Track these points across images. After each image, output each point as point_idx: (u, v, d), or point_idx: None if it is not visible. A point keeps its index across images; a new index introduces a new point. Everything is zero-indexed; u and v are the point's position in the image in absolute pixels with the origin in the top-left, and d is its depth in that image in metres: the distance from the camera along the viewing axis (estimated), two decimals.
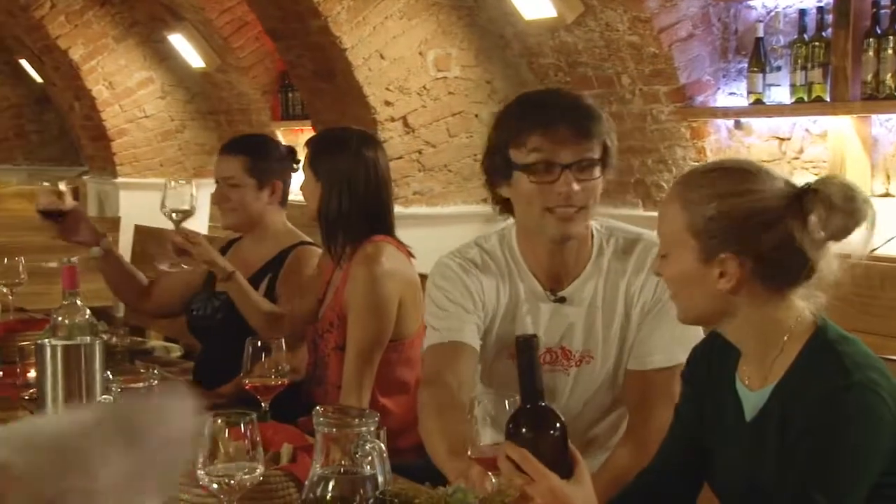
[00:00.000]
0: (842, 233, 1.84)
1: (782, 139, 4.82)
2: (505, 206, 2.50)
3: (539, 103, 2.46)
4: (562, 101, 2.46)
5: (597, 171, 2.39)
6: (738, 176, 1.91)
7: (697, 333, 2.26)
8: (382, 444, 1.85)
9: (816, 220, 1.83)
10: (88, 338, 2.50)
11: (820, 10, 4.46)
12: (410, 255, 3.16)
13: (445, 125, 5.65)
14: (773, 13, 4.81)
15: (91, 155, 9.23)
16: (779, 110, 4.66)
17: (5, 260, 3.83)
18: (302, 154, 3.34)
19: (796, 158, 4.75)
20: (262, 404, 2.49)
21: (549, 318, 2.52)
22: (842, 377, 1.80)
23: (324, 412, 1.86)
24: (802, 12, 4.53)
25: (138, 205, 7.73)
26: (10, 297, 3.82)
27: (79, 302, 2.53)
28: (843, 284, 1.89)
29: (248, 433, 1.84)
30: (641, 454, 2.29)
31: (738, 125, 4.97)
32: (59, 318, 2.52)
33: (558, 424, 1.76)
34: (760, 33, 4.72)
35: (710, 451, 2.05)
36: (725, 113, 4.95)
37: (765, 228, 1.85)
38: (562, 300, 2.51)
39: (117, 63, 8.59)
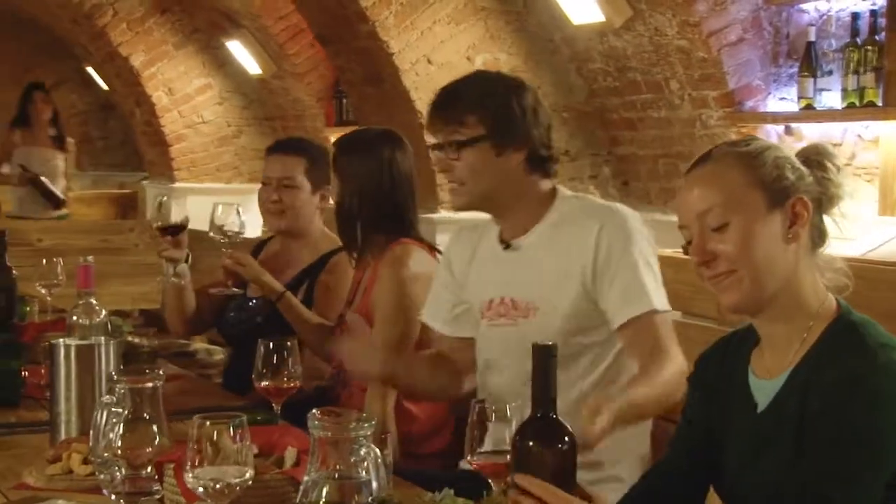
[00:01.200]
0: (838, 188, 1.89)
1: (834, 145, 4.67)
2: None
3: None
4: (449, 87, 2.64)
5: (468, 150, 2.51)
6: (762, 140, 1.95)
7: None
8: (378, 450, 1.78)
9: (827, 168, 1.88)
10: (103, 338, 2.47)
11: (873, 13, 4.32)
12: (434, 251, 3.10)
13: None
14: (825, 17, 4.67)
15: (151, 160, 9.28)
16: (830, 115, 4.52)
17: (44, 262, 3.82)
18: None
19: (848, 164, 4.59)
20: (274, 406, 2.42)
21: (495, 267, 2.61)
22: (865, 358, 1.73)
23: (319, 416, 1.79)
24: (855, 16, 4.38)
25: (195, 209, 7.73)
26: (49, 298, 3.81)
27: (93, 301, 2.49)
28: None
29: (238, 436, 1.78)
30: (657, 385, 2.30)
31: (788, 131, 4.83)
32: (75, 318, 2.49)
33: (567, 438, 1.66)
34: (812, 37, 4.57)
35: (720, 453, 1.96)
36: (775, 118, 4.81)
37: (808, 175, 1.87)
38: (508, 247, 2.59)
39: (177, 69, 8.63)
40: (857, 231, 4.28)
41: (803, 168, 1.87)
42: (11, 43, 11.27)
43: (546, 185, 2.61)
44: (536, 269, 2.55)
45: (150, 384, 2.10)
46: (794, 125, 4.80)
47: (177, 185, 8.72)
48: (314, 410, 1.81)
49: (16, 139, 7.79)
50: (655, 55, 5.07)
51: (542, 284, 2.54)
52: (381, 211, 3.11)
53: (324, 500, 1.74)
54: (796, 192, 1.84)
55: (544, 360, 1.65)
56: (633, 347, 2.46)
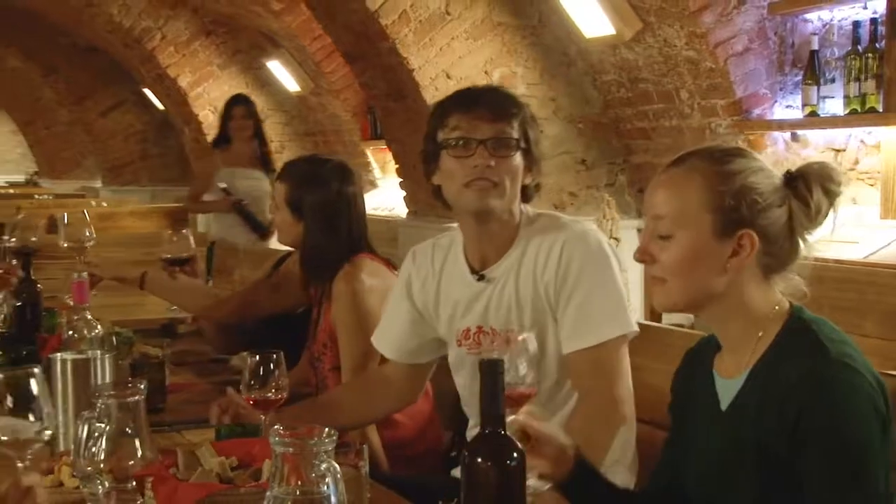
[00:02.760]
0: (826, 213, 1.78)
1: (838, 150, 4.52)
2: (439, 196, 2.46)
3: (465, 90, 2.49)
4: (486, 89, 2.49)
5: (514, 152, 2.34)
6: (748, 155, 1.82)
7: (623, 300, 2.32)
8: (337, 465, 1.68)
9: (811, 200, 1.76)
10: (99, 352, 2.40)
11: (873, 21, 4.17)
12: (391, 265, 3.00)
13: None
14: (827, 26, 4.53)
15: (199, 175, 9.27)
16: (832, 122, 4.38)
17: (75, 275, 3.76)
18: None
19: (852, 169, 4.45)
20: (263, 418, 2.34)
21: (470, 297, 2.46)
22: (818, 354, 1.68)
23: (280, 431, 1.70)
24: (856, 24, 4.25)
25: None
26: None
27: (89, 316, 2.43)
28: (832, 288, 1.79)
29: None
30: (597, 419, 2.23)
31: (794, 137, 4.69)
32: (71, 333, 2.43)
33: (516, 454, 1.55)
34: (815, 46, 4.44)
35: (687, 454, 1.88)
36: (780, 125, 4.67)
37: (776, 207, 1.76)
38: (482, 278, 2.44)
39: (221, 89, 8.61)
40: (859, 235, 4.18)
41: (772, 198, 1.76)
42: (74, 69, 11.35)
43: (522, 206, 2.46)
44: (513, 299, 2.40)
45: (131, 398, 2.03)
46: (799, 132, 4.66)
47: None
48: (275, 427, 1.73)
49: (217, 160, 6.43)
50: (665, 66, 4.96)
51: (521, 313, 2.39)
52: (349, 241, 3.01)
53: None
54: (747, 226, 1.75)
55: (492, 375, 1.54)
56: (575, 378, 2.35)
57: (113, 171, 11.68)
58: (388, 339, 2.64)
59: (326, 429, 1.72)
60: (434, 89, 5.30)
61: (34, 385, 1.77)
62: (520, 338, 1.84)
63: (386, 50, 5.35)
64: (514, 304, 2.40)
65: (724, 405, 1.81)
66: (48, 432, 1.79)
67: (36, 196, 11.06)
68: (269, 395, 2.29)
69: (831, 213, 1.79)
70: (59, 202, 9.96)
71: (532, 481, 1.76)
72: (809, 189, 1.76)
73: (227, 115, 6.44)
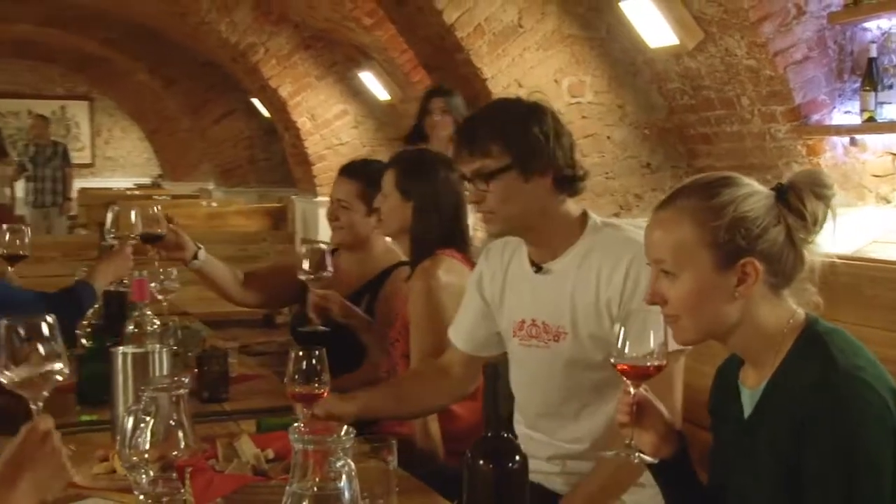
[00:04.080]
0: (822, 220, 1.70)
1: (895, 154, 4.32)
2: None
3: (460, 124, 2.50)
4: (467, 120, 2.44)
5: (496, 181, 2.28)
6: (735, 182, 1.72)
7: None
8: (352, 463, 1.60)
9: (805, 211, 1.68)
10: (157, 346, 2.36)
11: None
12: (472, 263, 2.91)
13: (579, 146, 5.30)
14: (886, 34, 4.31)
15: (298, 177, 9.32)
16: (889, 127, 4.18)
17: (161, 270, 3.76)
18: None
19: None
20: (304, 412, 2.27)
21: (528, 289, 2.40)
22: (828, 365, 1.60)
23: (300, 429, 1.63)
24: None
25: None
26: (165, 304, 3.74)
27: (148, 312, 2.40)
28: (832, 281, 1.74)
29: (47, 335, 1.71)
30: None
31: (853, 142, 4.48)
32: (132, 328, 2.39)
33: (518, 457, 1.46)
34: (874, 54, 4.23)
35: (716, 460, 1.81)
36: (838, 130, 4.45)
37: (773, 227, 1.68)
38: (539, 270, 2.38)
39: (318, 98, 8.63)
40: None
41: (767, 220, 1.67)
42: (192, 81, 11.51)
43: (575, 208, 2.36)
44: (566, 295, 2.32)
45: (175, 391, 1.99)
46: (858, 137, 4.45)
47: (318, 199, 8.72)
48: (295, 425, 1.66)
49: None
50: (727, 74, 4.78)
51: (572, 311, 2.31)
52: (450, 230, 2.96)
53: None
54: (747, 254, 1.66)
55: (493, 379, 1.45)
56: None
57: (224, 173, 11.82)
58: (460, 329, 2.59)
59: (345, 427, 1.65)
60: (506, 96, 5.20)
61: (45, 328, 1.69)
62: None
63: (462, 61, 5.27)
64: (568, 301, 2.32)
65: (746, 414, 1.74)
66: (66, 371, 1.73)
67: (155, 196, 11.26)
68: (313, 389, 2.22)
69: (829, 217, 1.69)
70: (174, 202, 10.12)
71: (639, 453, 1.75)
72: (801, 199, 1.67)
73: (423, 109, 5.08)
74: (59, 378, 1.67)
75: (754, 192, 1.70)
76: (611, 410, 2.25)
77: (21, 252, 3.44)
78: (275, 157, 11.32)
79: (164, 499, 1.92)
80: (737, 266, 1.66)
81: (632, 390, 1.73)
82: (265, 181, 11.46)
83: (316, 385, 2.21)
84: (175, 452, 1.96)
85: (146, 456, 1.94)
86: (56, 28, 11.40)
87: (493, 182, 2.28)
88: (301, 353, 2.20)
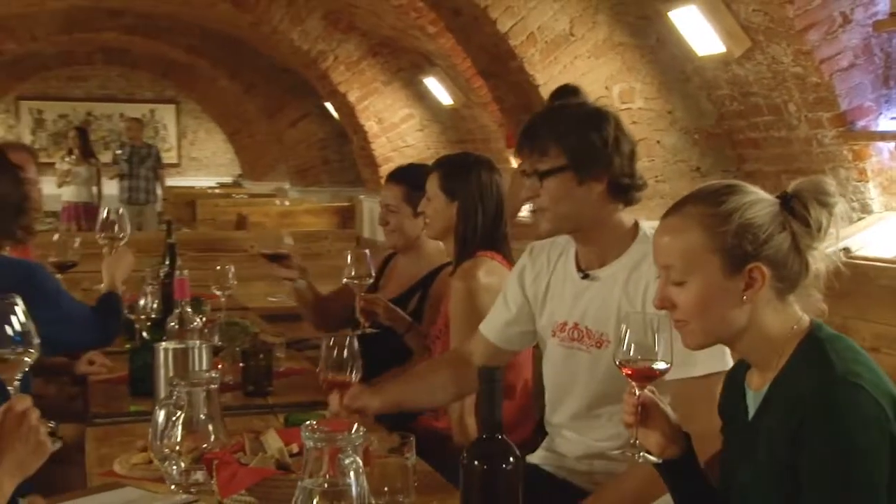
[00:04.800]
0: (827, 227, 1.66)
1: None
2: None
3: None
4: (531, 120, 2.37)
5: (551, 180, 2.25)
6: (740, 190, 1.69)
7: None
8: (359, 459, 1.60)
9: (809, 218, 1.65)
10: (197, 342, 2.38)
11: None
12: (512, 265, 2.89)
13: None
14: None
15: (366, 178, 9.36)
16: None
17: (217, 267, 3.80)
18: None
19: None
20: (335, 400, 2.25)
21: (574, 293, 2.36)
22: (827, 370, 1.58)
23: (311, 428, 1.62)
24: None
25: None
26: (223, 300, 3.78)
27: (189, 310, 2.41)
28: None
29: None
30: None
31: None
32: (172, 324, 2.41)
33: (512, 459, 1.45)
34: None
35: (729, 460, 1.77)
36: (883, 136, 4.34)
37: (778, 233, 1.65)
38: (586, 276, 2.33)
39: (385, 102, 8.65)
40: None
41: (772, 226, 1.64)
42: (269, 85, 11.62)
43: (628, 217, 2.32)
44: (612, 303, 2.27)
45: (205, 387, 2.00)
46: None
47: None
48: (307, 423, 1.66)
49: None
50: (774, 81, 4.67)
51: (615, 319, 2.25)
52: (493, 228, 2.95)
53: None
54: (754, 260, 1.63)
55: (489, 383, 1.44)
56: (674, 402, 2.14)
57: (299, 173, 11.92)
58: (495, 322, 2.55)
59: (356, 425, 1.65)
60: None
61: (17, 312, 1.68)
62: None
63: (515, 68, 5.25)
64: (614, 310, 2.27)
65: (750, 415, 1.71)
66: (33, 354, 1.71)
67: (233, 195, 11.41)
68: (345, 377, 2.21)
69: (832, 224, 1.66)
70: (250, 201, 10.26)
71: (644, 453, 1.74)
72: (806, 207, 1.64)
73: None
74: (29, 360, 1.68)
75: (759, 200, 1.68)
76: None
77: (71, 260, 3.51)
78: (346, 158, 11.38)
79: (193, 489, 1.94)
80: (744, 271, 1.64)
81: (636, 392, 1.70)
82: (337, 181, 11.53)
83: (348, 373, 2.20)
84: (205, 445, 1.97)
85: (177, 448, 1.95)
86: (143, 36, 11.61)
87: (547, 181, 2.25)
88: (334, 342, 2.19)
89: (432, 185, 3.02)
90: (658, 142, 5.28)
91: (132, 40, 12.11)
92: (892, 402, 1.53)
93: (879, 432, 1.50)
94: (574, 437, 2.39)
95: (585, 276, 2.34)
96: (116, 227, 3.14)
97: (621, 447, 2.29)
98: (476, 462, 1.46)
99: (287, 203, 9.68)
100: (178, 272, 2.73)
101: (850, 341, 1.64)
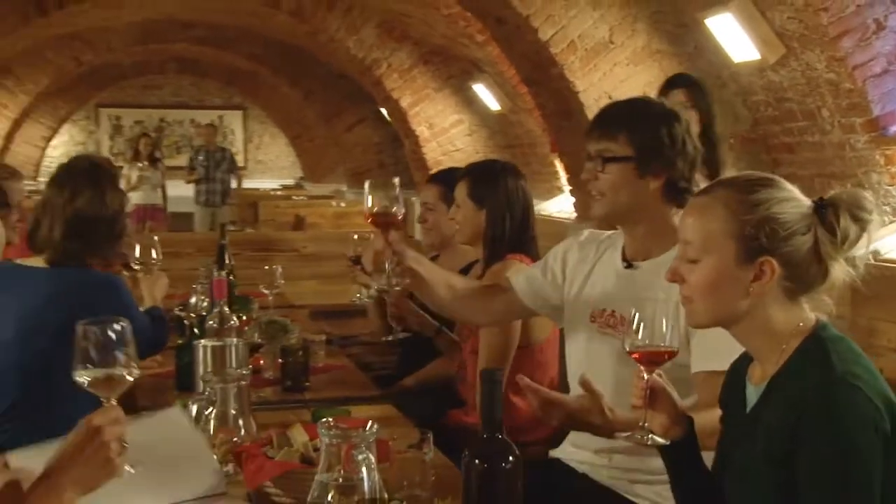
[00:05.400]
0: (854, 240, 1.61)
1: None
2: None
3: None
4: (614, 105, 2.36)
5: (613, 166, 2.23)
6: (775, 185, 1.66)
7: None
8: (371, 455, 1.60)
9: (837, 227, 1.60)
10: (235, 339, 2.40)
11: None
12: None
13: None
14: None
15: (417, 181, 9.35)
16: None
17: (266, 267, 3.83)
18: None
19: None
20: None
21: (614, 282, 2.34)
22: (826, 369, 1.55)
23: (327, 425, 1.63)
24: None
25: None
26: (270, 298, 3.81)
27: (226, 309, 2.43)
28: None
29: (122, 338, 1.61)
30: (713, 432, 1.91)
31: None
32: (211, 323, 2.43)
33: (511, 458, 1.44)
34: None
35: (724, 450, 1.76)
36: None
37: (800, 235, 1.61)
38: (629, 266, 2.31)
39: (435, 108, 8.65)
40: None
41: (796, 226, 1.60)
42: (328, 92, 11.70)
43: (676, 218, 2.26)
44: (649, 294, 2.21)
45: (235, 383, 2.02)
46: None
47: None
48: (323, 420, 1.67)
49: None
50: (808, 87, 4.58)
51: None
52: (521, 231, 2.95)
53: (327, 499, 1.60)
54: (767, 254, 1.60)
55: (490, 384, 1.43)
56: (701, 393, 2.12)
57: (355, 176, 11.97)
58: (528, 279, 2.52)
59: (369, 422, 1.65)
60: (597, 109, 5.09)
61: (113, 334, 1.60)
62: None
63: (556, 75, 5.22)
64: (651, 300, 2.20)
65: (749, 408, 1.69)
66: (136, 374, 1.63)
67: (293, 197, 11.51)
68: (389, 213, 2.20)
69: (864, 237, 1.61)
70: (308, 202, 10.34)
71: (651, 435, 1.73)
72: (837, 217, 1.59)
73: None
74: (130, 380, 1.62)
75: (792, 199, 1.64)
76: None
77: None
78: (401, 161, 11.40)
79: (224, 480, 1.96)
80: (755, 263, 1.61)
81: (645, 376, 1.70)
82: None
83: (394, 210, 2.19)
84: (235, 438, 1.99)
85: (209, 441, 1.97)
86: (211, 47, 11.76)
87: (610, 166, 2.24)
88: (377, 182, 2.17)
89: (461, 192, 3.02)
90: (694, 147, 5.20)
91: (202, 50, 12.27)
92: (887, 403, 1.52)
93: (875, 432, 1.48)
94: None
95: (629, 266, 2.32)
96: (153, 252, 3.15)
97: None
98: (477, 461, 1.45)
99: (343, 204, 9.73)
100: (216, 273, 2.75)
101: (853, 343, 1.61)
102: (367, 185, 2.21)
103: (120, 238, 2.65)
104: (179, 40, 11.56)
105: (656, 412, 1.73)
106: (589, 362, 2.39)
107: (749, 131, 5.20)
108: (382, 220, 2.19)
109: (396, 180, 2.23)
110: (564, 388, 2.65)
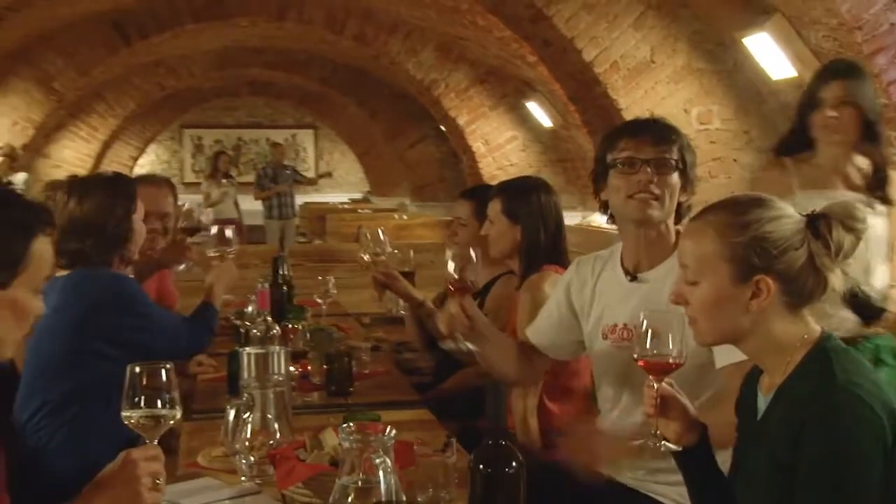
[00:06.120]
0: (849, 250, 1.60)
1: None
2: (605, 210, 2.36)
3: (631, 121, 2.45)
4: (649, 119, 2.37)
5: (672, 172, 2.23)
6: (764, 204, 1.63)
7: None
8: (388, 459, 1.60)
9: (830, 239, 1.59)
10: (277, 347, 2.43)
11: None
12: None
13: (707, 169, 5.12)
14: None
15: None
16: None
17: (319, 278, 3.87)
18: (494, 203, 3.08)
19: None
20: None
21: (622, 296, 2.32)
22: (827, 379, 1.52)
23: (348, 430, 1.64)
24: None
25: None
26: (324, 307, 3.84)
27: (269, 318, 2.45)
28: None
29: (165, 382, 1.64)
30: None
31: None
32: (254, 331, 2.46)
33: (514, 463, 1.43)
34: None
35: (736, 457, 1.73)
36: None
37: (793, 250, 1.57)
38: (635, 279, 2.30)
39: (490, 125, 8.65)
40: None
41: (789, 242, 1.58)
42: (392, 111, 11.79)
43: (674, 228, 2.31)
44: (660, 303, 2.17)
45: (272, 389, 2.04)
46: None
47: None
48: (345, 424, 1.67)
49: (788, 175, 2.98)
50: None
51: None
52: (554, 243, 2.95)
53: (348, 501, 1.60)
54: (762, 272, 1.58)
55: (494, 394, 1.43)
56: (725, 386, 2.10)
57: (417, 190, 12.03)
58: (541, 331, 2.51)
59: (387, 427, 1.65)
60: None
61: (164, 376, 1.65)
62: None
63: (600, 93, 5.18)
64: (663, 308, 2.23)
65: (758, 417, 1.67)
66: (177, 415, 1.66)
67: (359, 210, 11.60)
68: (467, 283, 2.22)
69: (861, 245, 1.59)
70: (372, 215, 10.40)
71: (664, 442, 1.72)
72: (829, 228, 1.57)
73: (811, 98, 2.91)
74: (172, 423, 1.64)
75: (782, 216, 1.62)
76: (692, 401, 2.16)
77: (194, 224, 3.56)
78: (460, 176, 11.41)
79: (258, 481, 1.98)
80: (751, 282, 1.59)
81: (654, 385, 1.68)
82: (452, 197, 11.53)
83: (469, 280, 2.22)
84: (271, 441, 2.01)
85: (247, 444, 2.00)
86: (282, 70, 11.94)
87: (667, 170, 2.23)
88: (460, 253, 2.22)
89: (494, 209, 3.02)
90: (735, 160, 5.13)
91: (274, 74, 12.46)
92: (890, 413, 1.48)
93: (873, 439, 1.45)
94: (620, 432, 2.34)
95: (633, 279, 2.31)
96: (229, 242, 3.19)
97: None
98: (481, 466, 1.45)
99: (405, 217, 9.77)
100: (259, 284, 2.78)
101: (857, 354, 1.59)
102: (448, 253, 2.25)
103: (122, 245, 2.65)
104: (253, 65, 11.76)
105: (669, 420, 1.71)
106: (610, 378, 2.37)
107: None
108: (460, 287, 2.21)
109: (474, 253, 2.24)
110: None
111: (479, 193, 3.39)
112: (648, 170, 2.22)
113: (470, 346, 2.32)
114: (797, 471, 1.48)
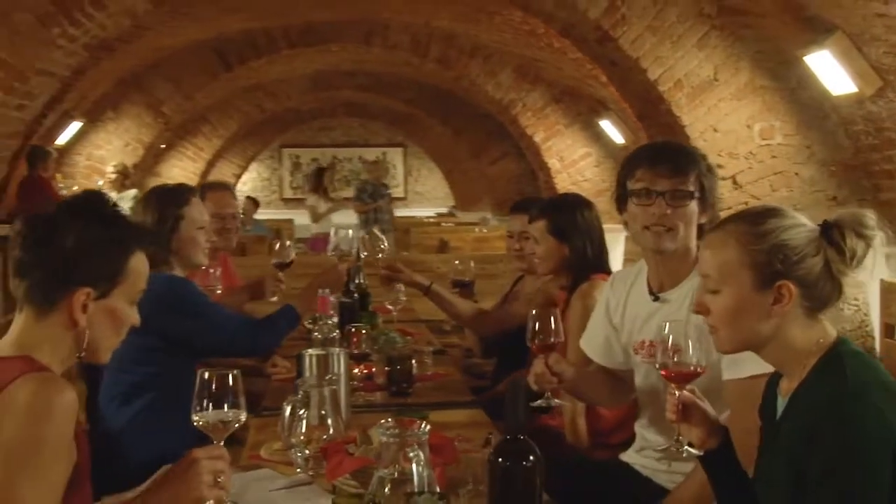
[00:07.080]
0: (863, 255, 1.59)
1: None
2: (627, 229, 2.33)
3: (650, 147, 2.35)
4: (667, 146, 2.31)
5: (689, 202, 2.19)
6: (780, 214, 1.63)
7: None
8: (422, 453, 1.63)
9: (844, 246, 1.58)
10: (337, 349, 2.47)
11: None
12: None
13: (769, 182, 5.00)
14: None
15: None
16: None
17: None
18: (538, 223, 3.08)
19: None
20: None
21: (647, 314, 2.32)
22: (840, 383, 1.49)
23: (385, 425, 1.67)
24: None
25: None
26: (395, 313, 3.88)
27: (330, 322, 2.50)
28: None
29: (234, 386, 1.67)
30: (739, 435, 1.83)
31: None
32: (316, 334, 2.51)
33: (532, 458, 1.44)
34: None
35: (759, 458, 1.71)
36: None
37: (811, 257, 1.57)
38: (657, 299, 2.27)
39: (565, 143, 8.61)
40: None
41: (806, 249, 1.57)
42: (474, 130, 11.83)
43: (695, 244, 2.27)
44: (678, 318, 2.18)
45: (326, 388, 2.08)
46: None
47: None
48: (383, 420, 1.71)
49: None
50: None
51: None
52: (598, 254, 2.93)
53: (385, 491, 1.64)
54: (784, 278, 1.56)
55: (513, 391, 1.44)
56: (729, 399, 2.07)
57: (498, 205, 12.02)
58: (593, 346, 2.52)
59: (421, 422, 1.68)
60: (702, 140, 4.99)
61: (231, 381, 1.68)
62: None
63: (664, 111, 5.11)
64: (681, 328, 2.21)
65: (777, 418, 1.65)
66: (242, 418, 1.69)
67: (442, 223, 11.66)
68: (551, 340, 2.22)
69: (869, 254, 1.57)
70: (454, 228, 10.44)
71: (687, 447, 1.71)
72: (843, 236, 1.56)
73: None
74: (237, 425, 1.68)
75: (798, 225, 1.61)
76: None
77: (287, 260, 3.66)
78: (538, 191, 11.36)
79: (311, 473, 2.03)
80: (773, 287, 1.58)
81: (676, 392, 1.67)
82: None
83: (553, 339, 2.20)
84: (324, 437, 2.06)
85: (302, 438, 2.05)
86: (373, 92, 12.12)
87: (682, 202, 2.18)
88: (539, 312, 2.19)
89: (539, 230, 3.03)
90: (796, 174, 5.00)
91: (365, 96, 12.65)
92: None
93: (882, 443, 1.42)
94: (656, 438, 2.33)
95: (656, 299, 2.30)
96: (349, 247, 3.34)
97: None
98: (500, 460, 1.47)
99: (485, 230, 9.78)
100: (321, 291, 2.84)
101: (870, 358, 1.56)
102: (532, 311, 2.23)
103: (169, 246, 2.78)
104: (345, 87, 11.96)
105: (692, 426, 1.70)
106: (644, 387, 2.37)
107: (851, 159, 4.96)
108: (543, 346, 2.21)
109: (553, 311, 2.23)
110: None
111: (529, 205, 3.42)
112: (664, 202, 2.18)
113: (558, 401, 2.31)
114: (809, 473, 1.45)
